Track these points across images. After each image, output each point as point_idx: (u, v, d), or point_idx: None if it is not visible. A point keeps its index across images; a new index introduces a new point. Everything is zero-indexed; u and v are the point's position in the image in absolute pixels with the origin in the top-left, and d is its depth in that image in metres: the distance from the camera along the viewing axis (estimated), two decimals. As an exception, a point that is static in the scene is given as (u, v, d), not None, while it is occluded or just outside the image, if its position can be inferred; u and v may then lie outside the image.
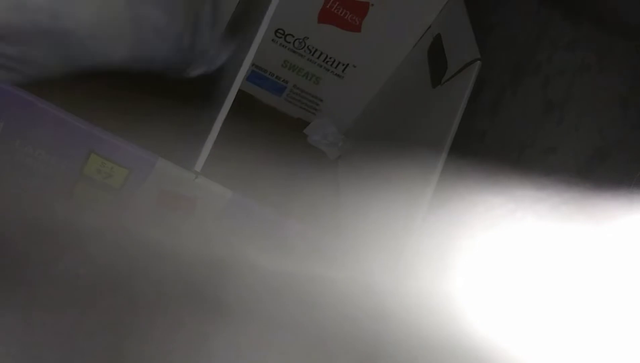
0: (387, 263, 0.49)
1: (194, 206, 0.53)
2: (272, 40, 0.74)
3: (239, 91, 0.54)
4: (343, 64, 0.77)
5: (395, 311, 0.47)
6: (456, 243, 0.47)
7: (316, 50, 0.75)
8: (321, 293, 0.48)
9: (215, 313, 0.48)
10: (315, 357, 0.48)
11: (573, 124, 0.47)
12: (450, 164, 0.53)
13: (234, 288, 0.49)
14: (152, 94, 0.62)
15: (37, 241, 0.49)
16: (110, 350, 0.45)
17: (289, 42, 0.75)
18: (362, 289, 0.48)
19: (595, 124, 0.45)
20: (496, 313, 0.43)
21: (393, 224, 0.54)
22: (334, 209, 0.68)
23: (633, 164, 0.42)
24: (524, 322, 0.42)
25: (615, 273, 0.39)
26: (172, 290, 0.49)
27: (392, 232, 0.53)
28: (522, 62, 0.54)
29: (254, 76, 0.77)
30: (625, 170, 0.42)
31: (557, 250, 0.42)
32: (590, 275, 0.40)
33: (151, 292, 0.48)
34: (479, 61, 0.57)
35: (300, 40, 0.75)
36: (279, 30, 0.73)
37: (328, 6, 0.72)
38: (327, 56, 0.76)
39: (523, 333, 0.42)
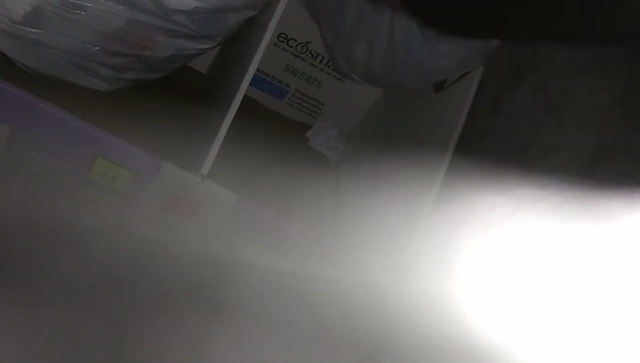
0: (388, 263, 0.50)
1: (198, 209, 0.53)
2: (275, 44, 0.75)
3: (241, 94, 0.55)
4: (345, 69, 0.77)
5: (396, 311, 0.47)
6: (458, 243, 0.47)
7: (318, 54, 0.76)
8: (322, 292, 0.48)
9: (216, 312, 0.48)
10: (317, 355, 0.48)
11: (573, 124, 0.47)
12: (451, 165, 0.53)
13: (235, 288, 0.49)
14: (154, 94, 0.63)
15: (39, 241, 0.49)
16: (111, 349, 0.45)
17: (291, 47, 0.75)
18: (364, 288, 0.48)
19: (595, 124, 0.45)
20: (497, 312, 0.43)
21: (395, 225, 0.54)
22: (335, 210, 0.68)
23: (633, 164, 0.42)
24: (525, 320, 0.42)
25: (616, 272, 0.39)
26: (173, 289, 0.49)
27: (394, 232, 0.53)
28: (522, 62, 0.55)
29: (256, 80, 0.78)
30: (625, 170, 0.42)
31: (558, 248, 0.42)
32: (591, 274, 0.40)
33: (152, 292, 0.48)
34: (481, 67, 0.58)
35: (303, 45, 0.75)
36: (282, 35, 0.74)
37: (330, 11, 0.72)
38: (329, 60, 0.77)
39: (524, 332, 0.42)
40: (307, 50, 0.76)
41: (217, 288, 0.50)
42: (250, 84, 0.78)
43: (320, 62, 0.77)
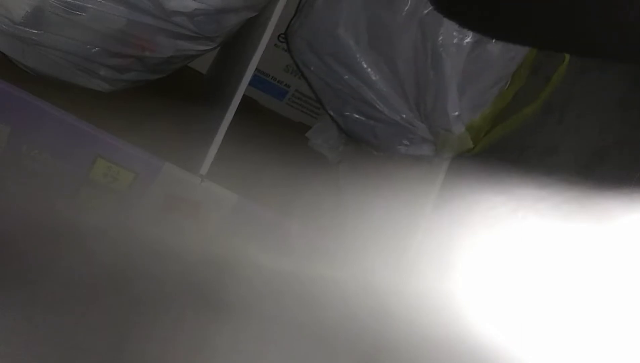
0: (389, 263, 0.50)
1: (198, 209, 0.53)
2: (275, 45, 0.74)
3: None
4: (345, 69, 0.77)
5: (396, 310, 0.47)
6: (458, 242, 0.48)
7: (318, 54, 0.76)
8: (323, 292, 0.49)
9: (217, 312, 0.48)
10: (317, 355, 0.48)
11: (573, 124, 0.47)
12: (451, 165, 0.53)
13: (235, 287, 0.50)
14: (154, 94, 0.63)
15: (39, 241, 0.49)
16: (112, 349, 0.46)
17: (291, 47, 0.75)
18: (364, 288, 0.48)
19: (596, 124, 0.45)
20: (497, 311, 0.44)
21: (396, 224, 0.54)
22: (335, 210, 0.68)
23: (633, 164, 0.42)
24: (525, 320, 0.42)
25: (616, 271, 0.39)
26: (174, 289, 0.49)
27: (395, 232, 0.53)
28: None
29: (256, 80, 0.78)
30: (625, 170, 0.42)
31: (558, 248, 0.42)
32: (591, 273, 0.40)
33: (153, 291, 0.48)
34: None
35: (303, 45, 0.75)
36: (282, 35, 0.74)
37: (330, 11, 0.72)
38: (329, 61, 0.76)
39: (524, 331, 0.42)
40: (307, 50, 0.75)
41: (217, 287, 0.50)
42: (251, 84, 0.78)
43: (320, 62, 0.77)
